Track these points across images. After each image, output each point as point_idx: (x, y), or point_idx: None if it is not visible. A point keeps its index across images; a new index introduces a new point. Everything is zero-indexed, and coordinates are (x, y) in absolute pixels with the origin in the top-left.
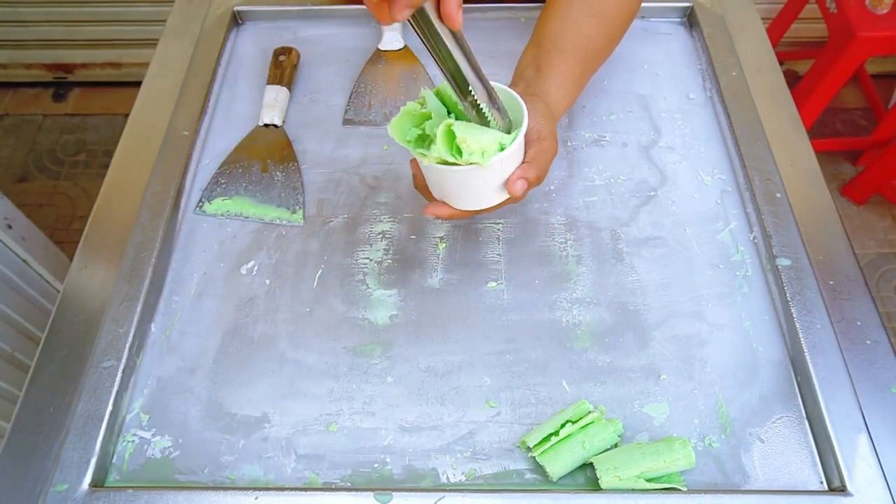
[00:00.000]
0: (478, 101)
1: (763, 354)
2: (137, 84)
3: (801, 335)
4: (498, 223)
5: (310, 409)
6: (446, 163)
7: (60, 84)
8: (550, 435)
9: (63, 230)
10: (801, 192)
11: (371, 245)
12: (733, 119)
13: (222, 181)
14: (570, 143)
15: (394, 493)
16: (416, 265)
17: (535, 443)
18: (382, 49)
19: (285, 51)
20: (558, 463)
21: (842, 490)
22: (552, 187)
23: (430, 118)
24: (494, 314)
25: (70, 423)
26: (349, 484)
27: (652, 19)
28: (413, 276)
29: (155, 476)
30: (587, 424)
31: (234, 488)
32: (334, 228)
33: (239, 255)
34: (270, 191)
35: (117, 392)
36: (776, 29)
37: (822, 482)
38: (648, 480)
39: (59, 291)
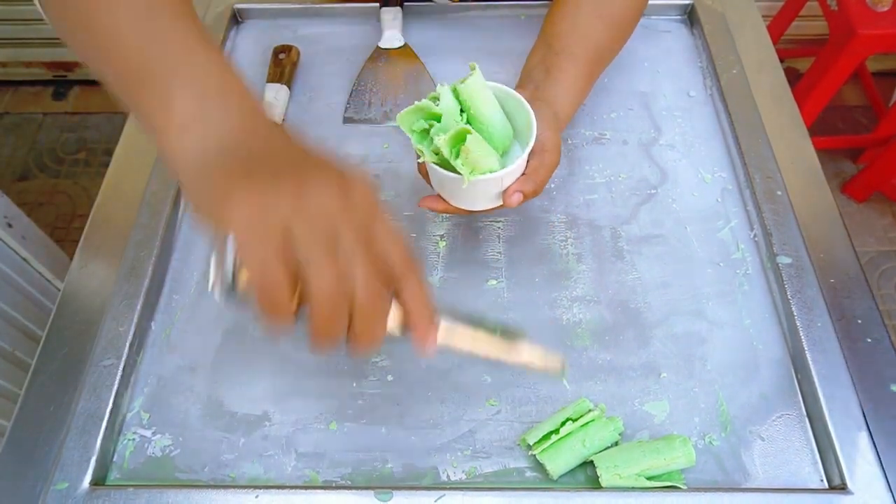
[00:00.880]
0: None
1: (763, 352)
2: None
3: (801, 333)
4: (498, 221)
5: (310, 407)
6: (445, 163)
7: (60, 82)
8: (551, 433)
9: (63, 229)
10: (802, 190)
11: None
12: (734, 117)
13: None
14: (570, 142)
15: (394, 492)
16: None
17: (535, 441)
18: (383, 47)
19: (285, 49)
20: (558, 461)
21: (842, 488)
22: (552, 185)
23: (440, 119)
24: (495, 312)
25: (70, 421)
26: (349, 482)
27: (652, 17)
28: None
29: (155, 474)
30: (588, 423)
31: (234, 487)
32: None
33: None
34: None
35: (117, 390)
36: (777, 26)
37: (822, 480)
38: (649, 478)
39: (59, 290)
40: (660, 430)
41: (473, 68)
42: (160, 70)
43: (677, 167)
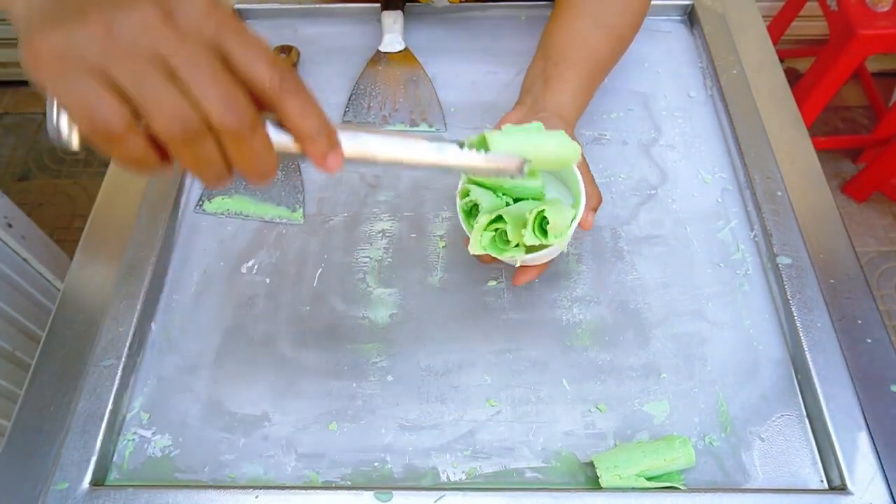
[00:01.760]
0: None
1: (763, 353)
2: None
3: (801, 333)
4: None
5: (310, 407)
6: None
7: None
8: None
9: (63, 229)
10: (802, 191)
11: (371, 244)
12: (734, 117)
13: None
14: None
15: (394, 492)
16: (417, 264)
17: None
18: (383, 50)
19: (285, 49)
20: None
21: (842, 489)
22: None
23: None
24: (495, 313)
25: (70, 421)
26: (349, 483)
27: (652, 17)
28: (413, 274)
29: (155, 475)
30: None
31: (234, 487)
32: (334, 227)
33: (239, 254)
34: (271, 189)
35: (117, 391)
36: (777, 27)
37: (822, 481)
38: (648, 479)
39: (59, 290)
40: (660, 430)
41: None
42: None
43: (677, 167)
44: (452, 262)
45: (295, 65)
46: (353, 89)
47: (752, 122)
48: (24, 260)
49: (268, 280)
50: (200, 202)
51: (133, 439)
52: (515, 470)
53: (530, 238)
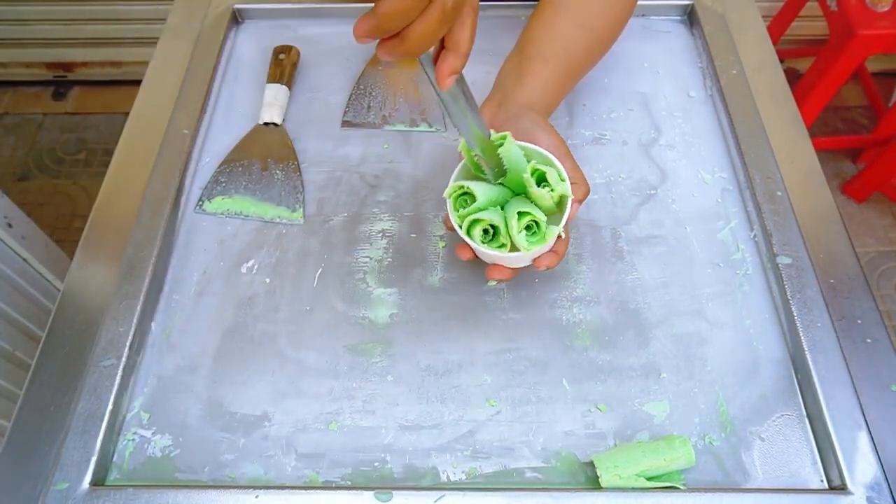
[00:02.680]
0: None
1: (763, 353)
2: (137, 83)
3: (801, 333)
4: None
5: (310, 407)
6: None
7: (60, 83)
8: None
9: (63, 229)
10: (802, 191)
11: (371, 243)
12: (734, 117)
13: (222, 180)
14: (570, 142)
15: (394, 492)
16: (417, 264)
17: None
18: None
19: (285, 49)
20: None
21: (842, 488)
22: None
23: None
24: (495, 313)
25: (70, 421)
26: (349, 483)
27: (652, 17)
28: (413, 274)
29: (155, 475)
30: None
31: (234, 487)
32: (334, 227)
33: (239, 254)
34: (270, 189)
35: (117, 391)
36: (777, 27)
37: (822, 480)
38: (648, 479)
39: (59, 290)
40: (660, 430)
41: (504, 138)
42: None
43: (677, 167)
44: (452, 262)
45: (295, 65)
46: (353, 89)
47: (752, 122)
48: (24, 260)
49: (268, 280)
50: (200, 202)
51: (133, 439)
52: (515, 470)
53: (522, 242)
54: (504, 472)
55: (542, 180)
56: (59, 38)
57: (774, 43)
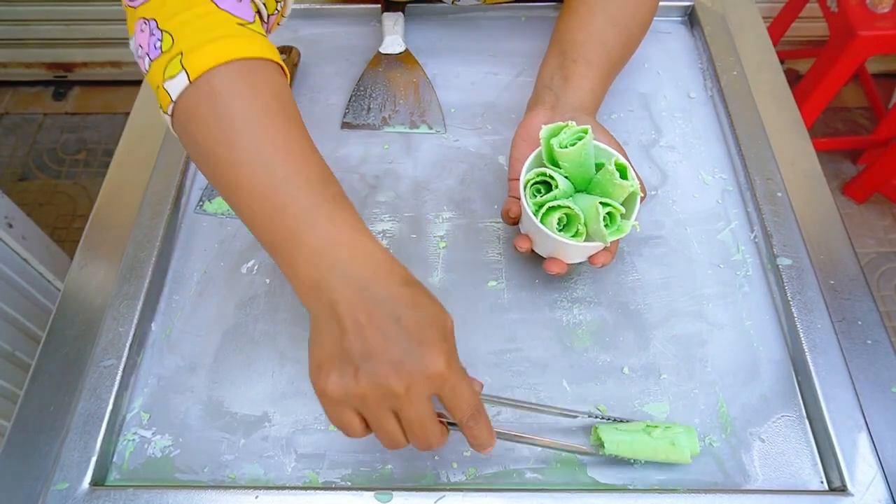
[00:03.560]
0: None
1: (764, 354)
2: (138, 83)
3: (801, 335)
4: (498, 223)
5: (310, 408)
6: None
7: (61, 83)
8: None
9: (63, 229)
10: (802, 192)
11: None
12: (734, 118)
13: None
14: None
15: (394, 493)
16: (417, 264)
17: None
18: (383, 52)
19: (286, 49)
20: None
21: (842, 490)
22: None
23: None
24: (495, 313)
25: (70, 421)
26: (349, 483)
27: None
28: (414, 274)
29: (155, 475)
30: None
31: (234, 487)
32: None
33: (239, 254)
34: None
35: (118, 391)
36: (777, 28)
37: (822, 482)
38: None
39: (59, 290)
40: None
41: (586, 132)
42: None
43: (677, 168)
44: (453, 263)
45: (295, 65)
46: (354, 91)
47: (753, 124)
48: (25, 260)
49: (268, 280)
50: (201, 203)
51: (133, 439)
52: (515, 471)
53: (604, 231)
54: (504, 473)
55: (622, 175)
56: (60, 39)
57: (775, 44)
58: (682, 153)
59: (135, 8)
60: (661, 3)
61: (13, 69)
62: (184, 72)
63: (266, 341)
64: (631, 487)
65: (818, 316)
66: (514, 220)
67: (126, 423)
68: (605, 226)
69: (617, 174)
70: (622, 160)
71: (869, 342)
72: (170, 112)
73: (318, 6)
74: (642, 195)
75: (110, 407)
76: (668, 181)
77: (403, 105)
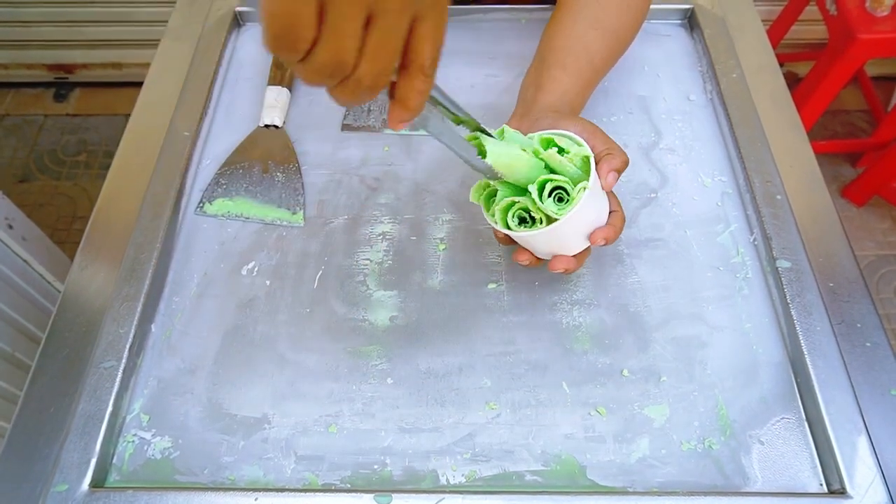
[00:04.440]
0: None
1: (763, 356)
2: (138, 85)
3: (801, 337)
4: None
5: (310, 410)
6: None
7: (61, 84)
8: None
9: (64, 230)
10: (802, 194)
11: (371, 246)
12: (734, 121)
13: (223, 182)
14: None
15: (393, 495)
16: (417, 266)
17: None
18: None
19: None
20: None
21: (841, 492)
22: None
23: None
24: (494, 316)
25: (70, 423)
26: (349, 485)
27: (652, 21)
28: (413, 277)
29: (155, 477)
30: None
31: (233, 489)
32: (335, 229)
33: (239, 256)
34: (271, 191)
35: (117, 393)
36: (776, 31)
37: (821, 484)
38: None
39: (59, 292)
40: (659, 433)
41: (502, 133)
42: None
43: (677, 171)
44: (452, 265)
45: None
46: None
47: (752, 126)
48: (25, 261)
49: (268, 282)
50: (201, 204)
51: (133, 441)
52: (515, 473)
53: (552, 208)
54: (504, 475)
55: (560, 151)
56: (61, 40)
57: (774, 47)
58: (682, 156)
59: None
60: (660, 6)
61: (14, 71)
62: None
63: (266, 343)
64: (630, 490)
65: (817, 318)
66: (504, 241)
67: (126, 424)
68: (560, 200)
69: (554, 150)
70: (549, 134)
71: (868, 345)
72: None
73: None
74: (614, 167)
75: (110, 408)
76: (668, 184)
77: None
